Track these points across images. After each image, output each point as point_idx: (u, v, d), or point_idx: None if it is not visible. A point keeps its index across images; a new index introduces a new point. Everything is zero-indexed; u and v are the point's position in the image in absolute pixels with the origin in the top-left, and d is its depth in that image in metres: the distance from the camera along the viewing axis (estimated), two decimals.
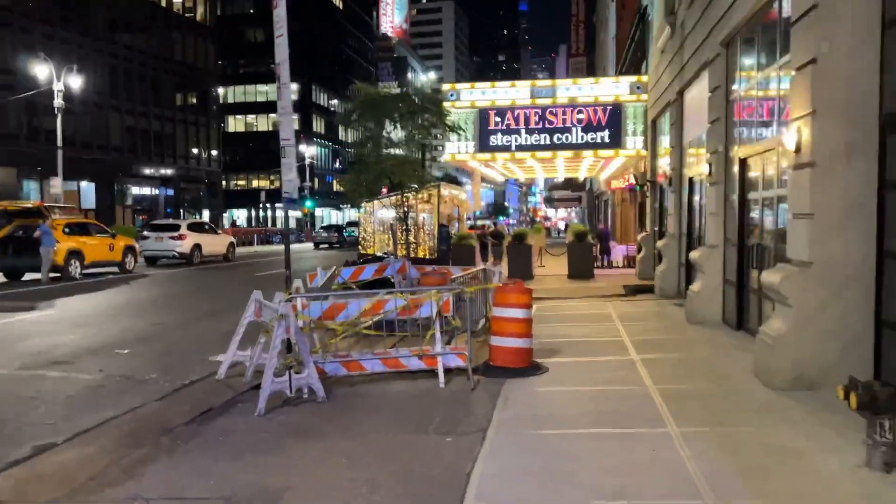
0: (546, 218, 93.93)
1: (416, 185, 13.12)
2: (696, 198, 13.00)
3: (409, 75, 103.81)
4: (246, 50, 79.05)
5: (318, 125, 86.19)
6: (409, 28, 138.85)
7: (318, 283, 11.65)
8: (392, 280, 11.95)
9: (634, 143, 20.42)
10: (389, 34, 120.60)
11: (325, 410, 6.67)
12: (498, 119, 20.88)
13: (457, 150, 21.12)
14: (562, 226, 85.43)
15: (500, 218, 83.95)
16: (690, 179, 13.57)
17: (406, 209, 13.24)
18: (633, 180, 21.61)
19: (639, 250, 19.73)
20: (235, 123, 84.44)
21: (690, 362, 8.11)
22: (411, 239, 20.41)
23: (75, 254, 19.05)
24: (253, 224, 74.53)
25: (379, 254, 19.53)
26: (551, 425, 5.85)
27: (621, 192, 29.50)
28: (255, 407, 6.59)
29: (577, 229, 20.27)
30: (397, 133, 12.51)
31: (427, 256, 19.67)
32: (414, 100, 12.49)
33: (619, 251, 23.70)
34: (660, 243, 15.15)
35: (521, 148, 20.86)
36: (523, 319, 7.92)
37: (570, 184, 63.88)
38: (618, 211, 31.14)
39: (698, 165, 12.93)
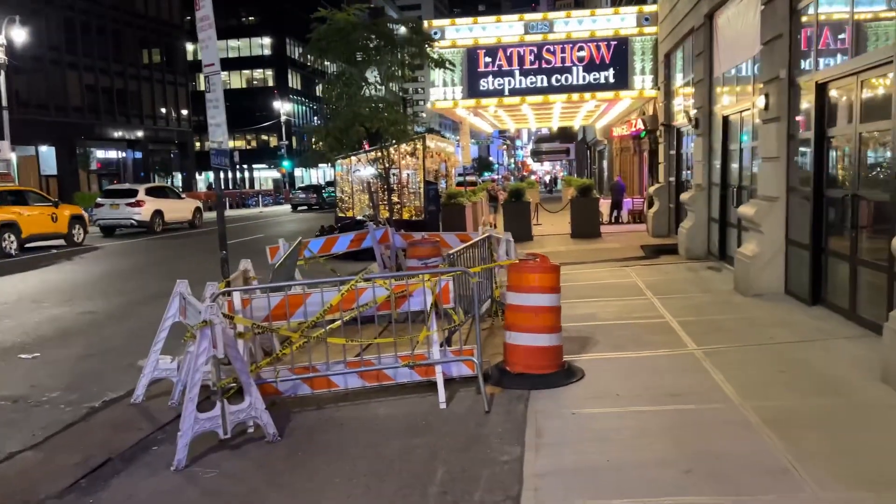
0: (531, 172, 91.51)
1: (396, 135, 10.82)
2: (736, 141, 10.83)
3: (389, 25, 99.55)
4: (215, 2, 74.55)
5: (294, 80, 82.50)
6: None
7: (279, 259, 9.41)
8: (374, 252, 9.80)
9: (643, 82, 18.10)
10: None
11: (276, 458, 4.58)
12: (488, 60, 18.44)
13: (442, 96, 18.70)
14: (547, 180, 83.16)
15: (486, 174, 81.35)
16: (726, 119, 11.38)
17: (387, 164, 10.96)
18: (640, 125, 19.38)
19: (649, 204, 17.61)
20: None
21: (775, 357, 6.05)
22: (394, 199, 18.17)
23: (8, 226, 16.63)
24: (230, 186, 71.52)
25: (359, 217, 17.31)
26: (618, 487, 3.78)
27: (621, 141, 27.22)
28: (174, 453, 4.49)
29: (581, 182, 18.08)
30: (373, 72, 10.17)
31: (414, 218, 17.46)
32: (391, 29, 10.13)
33: (625, 205, 21.57)
34: (684, 196, 13.02)
35: (515, 92, 18.48)
36: (550, 309, 5.80)
37: (558, 135, 61.55)
38: (616, 161, 28.88)
39: (739, 101, 10.72)
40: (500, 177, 69.97)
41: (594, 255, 13.58)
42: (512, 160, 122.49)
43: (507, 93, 18.50)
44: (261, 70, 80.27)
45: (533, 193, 27.89)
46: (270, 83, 78.71)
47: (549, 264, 5.95)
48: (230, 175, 75.86)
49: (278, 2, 76.31)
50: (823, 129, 7.40)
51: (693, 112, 12.95)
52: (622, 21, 18.10)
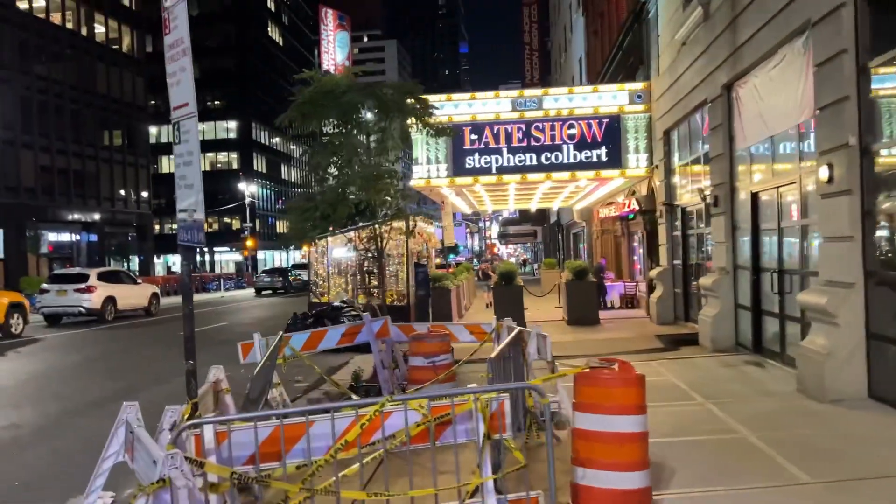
0: (496, 255, 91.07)
1: (389, 210, 9.44)
2: (773, 219, 9.69)
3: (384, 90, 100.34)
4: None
5: (260, 164, 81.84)
6: (351, 66, 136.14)
7: (255, 356, 7.77)
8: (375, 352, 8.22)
9: (637, 160, 17.24)
10: (332, 72, 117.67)
11: None
12: (474, 137, 17.44)
13: (426, 173, 17.54)
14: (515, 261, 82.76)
15: (451, 256, 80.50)
16: (755, 196, 10.30)
17: (380, 244, 9.47)
18: (633, 205, 18.44)
19: (650, 289, 16.41)
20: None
21: None
22: (375, 282, 16.65)
23: None
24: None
25: (336, 303, 15.69)
26: None
27: (603, 222, 26.37)
28: None
29: (577, 265, 16.83)
30: (365, 141, 8.85)
31: (396, 303, 15.90)
32: (386, 93, 8.87)
33: (614, 289, 20.39)
34: (705, 281, 11.79)
35: (503, 170, 17.42)
36: (639, 436, 4.29)
37: (525, 217, 61.28)
38: (597, 243, 27.95)
39: (776, 176, 9.67)
40: (490, 256, 69.51)
41: (606, 347, 12.14)
42: (475, 242, 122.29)
43: (494, 171, 17.42)
44: (225, 153, 79.51)
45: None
46: (235, 166, 77.84)
47: (633, 374, 4.46)
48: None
49: (245, 86, 76.43)
50: None
51: (710, 190, 11.91)
52: (614, 99, 17.38)
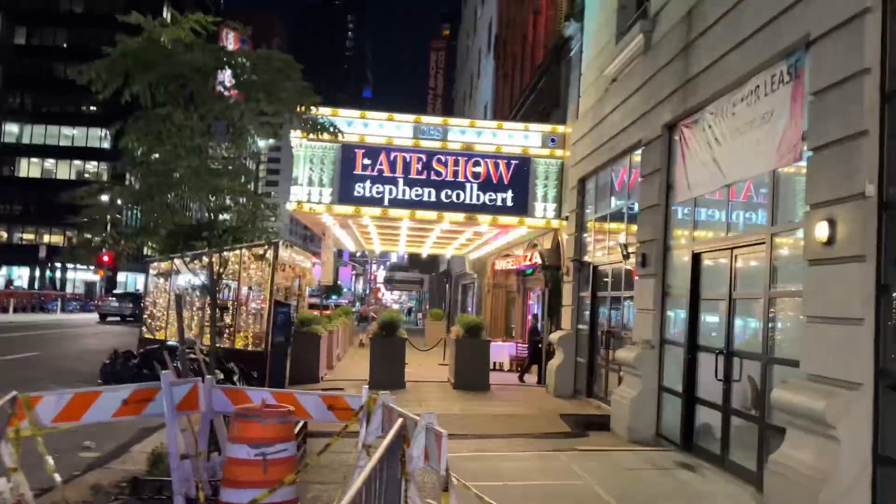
0: (379, 301, 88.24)
1: (232, 223, 6.84)
2: (723, 286, 7.85)
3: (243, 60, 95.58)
4: (51, 86, 67.49)
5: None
6: None
7: None
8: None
9: (545, 210, 15.47)
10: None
11: None
12: (367, 161, 15.08)
13: (306, 196, 14.91)
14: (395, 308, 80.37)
15: (333, 297, 76.84)
16: (697, 257, 8.49)
17: (219, 268, 6.77)
18: (535, 259, 16.60)
19: (548, 355, 14.43)
20: (30, 168, 71.85)
21: None
22: (227, 321, 13.65)
23: None
24: (34, 286, 61.58)
25: (171, 342, 12.56)
26: None
27: (496, 276, 24.51)
28: None
29: (470, 321, 14.60)
30: (197, 121, 6.19)
31: (251, 348, 12.94)
32: (242, 62, 6.34)
33: (504, 350, 18.32)
34: (624, 355, 9.81)
35: (396, 203, 15.10)
36: None
37: (412, 264, 59.14)
38: (488, 298, 26.02)
39: (728, 235, 7.88)
40: (373, 300, 66.51)
41: (503, 426, 9.87)
42: (361, 286, 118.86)
43: (386, 203, 15.08)
44: (95, 162, 72.72)
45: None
46: (105, 177, 71.23)
47: None
48: (37, 274, 65.93)
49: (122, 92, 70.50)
50: None
51: (636, 247, 10.08)
52: (525, 139, 15.62)
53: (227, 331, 13.70)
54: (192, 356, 12.32)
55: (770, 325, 6.79)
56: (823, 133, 5.75)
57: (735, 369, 7.33)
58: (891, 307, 5.14)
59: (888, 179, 5.19)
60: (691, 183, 8.70)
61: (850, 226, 5.34)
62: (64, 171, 71.59)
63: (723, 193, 8.12)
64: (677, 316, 9.04)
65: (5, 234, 68.98)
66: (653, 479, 7.14)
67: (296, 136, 14.83)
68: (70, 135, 72.38)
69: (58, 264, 65.27)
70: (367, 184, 15.04)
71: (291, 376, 13.80)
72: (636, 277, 10.05)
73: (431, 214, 15.43)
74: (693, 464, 7.78)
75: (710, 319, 8.30)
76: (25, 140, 71.33)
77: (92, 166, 72.77)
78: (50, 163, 72.53)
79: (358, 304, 69.21)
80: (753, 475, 6.71)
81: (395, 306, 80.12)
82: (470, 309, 30.70)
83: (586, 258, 13.26)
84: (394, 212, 14.98)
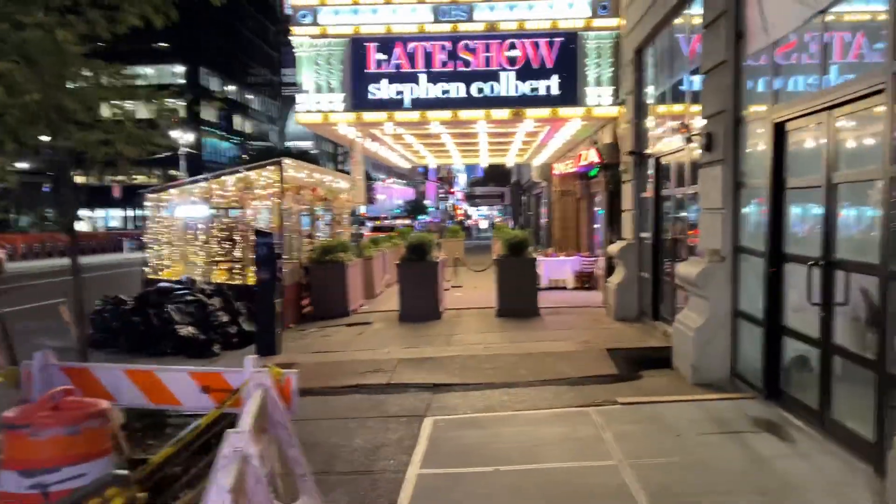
0: (466, 216, 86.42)
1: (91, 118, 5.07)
2: (811, 171, 5.31)
3: None
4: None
5: (209, 113, 75.73)
6: None
7: None
8: None
9: (599, 96, 12.77)
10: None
11: None
12: (381, 56, 12.78)
13: (316, 105, 12.87)
14: (484, 225, 78.41)
15: (419, 217, 75.55)
16: (780, 128, 5.91)
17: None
18: (592, 157, 14.03)
19: (609, 269, 12.13)
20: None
21: None
22: (237, 255, 12.13)
23: None
24: (126, 226, 63.44)
25: (164, 284, 11.19)
26: None
27: (562, 181, 21.89)
28: None
29: (511, 236, 12.42)
30: None
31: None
32: None
33: (566, 266, 16.08)
34: (687, 269, 7.44)
35: (419, 104, 12.82)
36: None
37: (494, 175, 56.45)
38: (557, 207, 23.54)
39: (821, 92, 5.28)
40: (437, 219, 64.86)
41: (531, 367, 7.83)
42: (447, 203, 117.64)
43: (408, 104, 12.83)
44: (171, 101, 73.19)
45: (453, 243, 22.25)
46: (182, 114, 71.83)
47: None
48: (127, 214, 67.94)
49: (193, 29, 69.98)
50: None
51: (701, 124, 7.52)
52: (570, 9, 12.79)
53: (236, 266, 12.22)
54: (190, 297, 10.93)
55: (894, 221, 4.30)
56: None
57: (838, 288, 4.92)
58: None
59: None
60: (769, 22, 6.01)
61: None
62: (140, 109, 72.56)
63: (814, 32, 5.44)
64: (755, 215, 6.55)
65: None
66: (716, 454, 4.94)
67: (298, 35, 12.78)
68: (145, 73, 72.94)
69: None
70: (384, 83, 12.80)
71: (317, 311, 12.26)
72: (701, 168, 7.53)
73: (469, 114, 13.07)
74: (779, 421, 5.51)
75: (801, 217, 5.81)
76: None
77: (169, 102, 73.37)
78: (128, 104, 73.62)
79: (449, 221, 66.78)
80: (869, 447, 4.45)
81: (484, 223, 78.22)
82: (543, 220, 28.30)
83: (647, 150, 10.68)
84: (411, 115, 12.73)
